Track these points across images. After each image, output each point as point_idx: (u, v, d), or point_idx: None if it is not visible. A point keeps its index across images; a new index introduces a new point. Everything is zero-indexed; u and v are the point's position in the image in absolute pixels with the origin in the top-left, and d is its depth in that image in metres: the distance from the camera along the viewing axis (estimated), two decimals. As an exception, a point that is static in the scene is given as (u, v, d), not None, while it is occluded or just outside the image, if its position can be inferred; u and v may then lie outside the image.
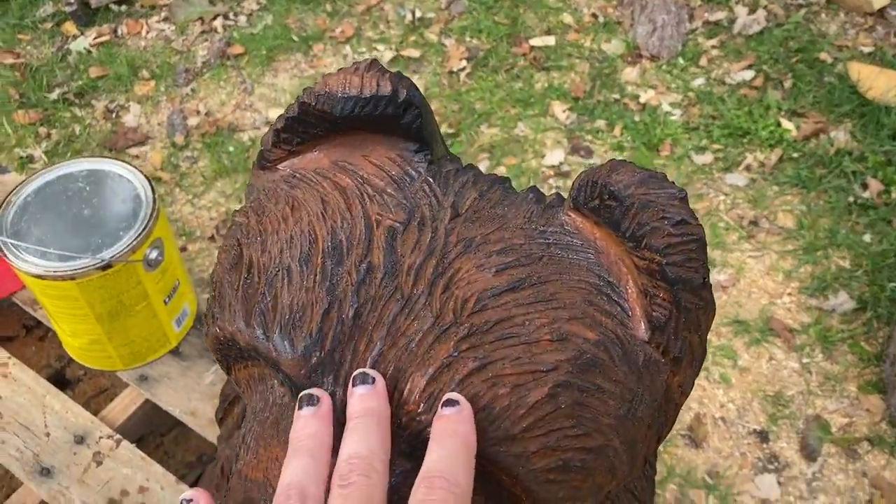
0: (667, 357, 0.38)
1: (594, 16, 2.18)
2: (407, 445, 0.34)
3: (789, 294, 1.59)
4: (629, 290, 0.38)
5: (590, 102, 1.95)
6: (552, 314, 0.36)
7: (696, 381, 1.47)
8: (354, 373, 0.35)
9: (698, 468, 1.36)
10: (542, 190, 1.75)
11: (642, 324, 0.37)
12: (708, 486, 1.34)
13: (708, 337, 1.53)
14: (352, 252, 0.37)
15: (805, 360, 1.49)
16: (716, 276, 1.61)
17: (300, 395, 0.35)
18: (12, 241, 0.92)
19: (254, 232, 0.39)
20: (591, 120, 1.92)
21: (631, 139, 1.87)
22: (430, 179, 0.41)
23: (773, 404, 1.44)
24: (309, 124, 0.41)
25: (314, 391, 0.35)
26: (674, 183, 0.36)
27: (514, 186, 0.44)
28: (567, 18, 2.18)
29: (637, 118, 1.91)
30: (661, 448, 1.39)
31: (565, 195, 1.72)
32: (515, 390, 0.34)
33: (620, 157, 1.83)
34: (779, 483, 1.35)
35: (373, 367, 0.35)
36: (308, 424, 0.34)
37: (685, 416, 1.42)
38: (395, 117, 0.41)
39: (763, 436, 1.41)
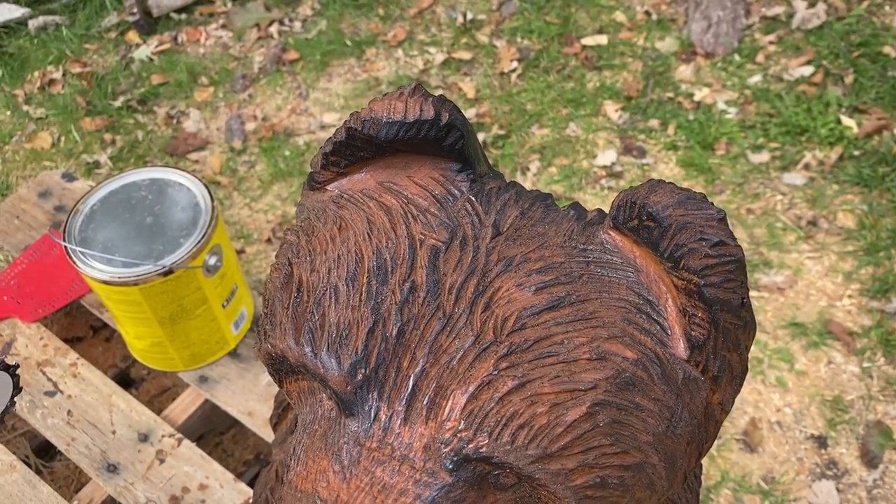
0: (706, 375, 0.38)
1: (647, 13, 2.15)
2: (449, 461, 0.35)
3: (849, 296, 1.55)
4: (668, 309, 0.38)
5: (643, 101, 1.93)
6: (591, 333, 0.37)
7: (752, 385, 1.44)
8: None
9: (753, 473, 1.34)
10: (595, 189, 1.75)
11: (681, 342, 0.38)
12: (763, 491, 1.32)
13: (764, 340, 1.50)
14: (396, 271, 0.39)
15: (866, 365, 1.46)
16: (772, 278, 1.58)
17: None
18: (80, 249, 0.96)
19: (303, 251, 0.41)
20: (644, 119, 1.90)
21: (685, 138, 1.84)
22: (473, 198, 0.42)
23: (831, 409, 1.41)
24: (356, 147, 0.43)
25: None
26: (712, 204, 0.37)
27: (556, 202, 0.45)
28: (620, 17, 2.16)
29: (691, 117, 1.89)
30: (715, 452, 1.38)
31: (616, 193, 1.71)
32: (554, 409, 0.35)
33: (675, 156, 1.81)
34: (837, 490, 1.32)
35: (415, 384, 0.36)
36: None
37: (740, 421, 1.41)
38: (438, 140, 0.42)
39: (821, 441, 1.38)
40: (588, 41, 2.09)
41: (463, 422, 0.35)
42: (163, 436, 1.05)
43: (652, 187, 0.38)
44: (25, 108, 2.05)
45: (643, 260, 0.39)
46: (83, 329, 1.28)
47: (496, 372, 0.36)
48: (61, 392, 1.09)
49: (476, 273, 0.39)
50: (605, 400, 0.36)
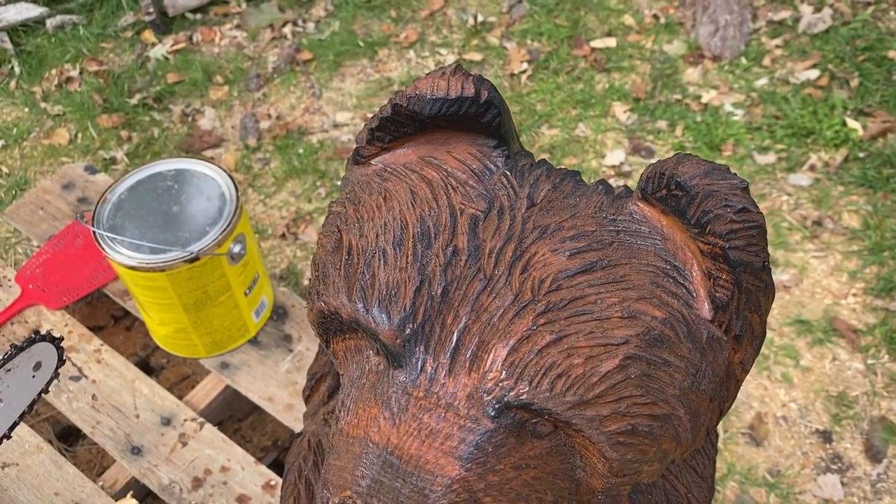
0: (729, 335, 0.41)
1: (655, 17, 2.19)
2: (491, 409, 0.38)
3: (854, 294, 1.58)
4: (694, 274, 0.41)
5: (651, 103, 1.96)
6: (622, 294, 0.40)
7: (758, 380, 1.47)
8: None
9: (759, 466, 1.37)
10: (602, 190, 1.78)
11: (706, 304, 0.41)
12: (769, 484, 1.35)
13: (770, 336, 1.53)
14: (439, 237, 0.42)
15: (870, 361, 1.48)
16: (779, 276, 1.61)
17: None
18: (108, 235, 0.99)
19: (352, 219, 0.44)
20: (653, 121, 1.93)
21: (692, 139, 1.87)
22: (508, 172, 0.45)
23: (836, 405, 1.43)
24: (400, 123, 0.45)
25: None
26: (736, 174, 0.40)
27: (583, 179, 0.48)
28: (628, 20, 2.19)
29: (699, 118, 1.92)
30: (721, 446, 1.40)
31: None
32: (589, 361, 0.38)
33: (681, 158, 1.84)
34: (842, 483, 1.34)
35: (459, 339, 0.39)
36: None
37: (746, 415, 1.43)
38: (476, 116, 0.45)
39: (826, 436, 1.40)
40: (597, 44, 2.13)
41: (504, 372, 0.38)
42: (185, 420, 1.08)
43: (679, 159, 0.41)
44: (43, 105, 2.08)
45: (670, 228, 0.42)
46: (104, 318, 1.31)
47: (535, 327, 0.38)
48: (86, 377, 1.12)
49: (513, 239, 0.41)
50: (636, 354, 0.38)
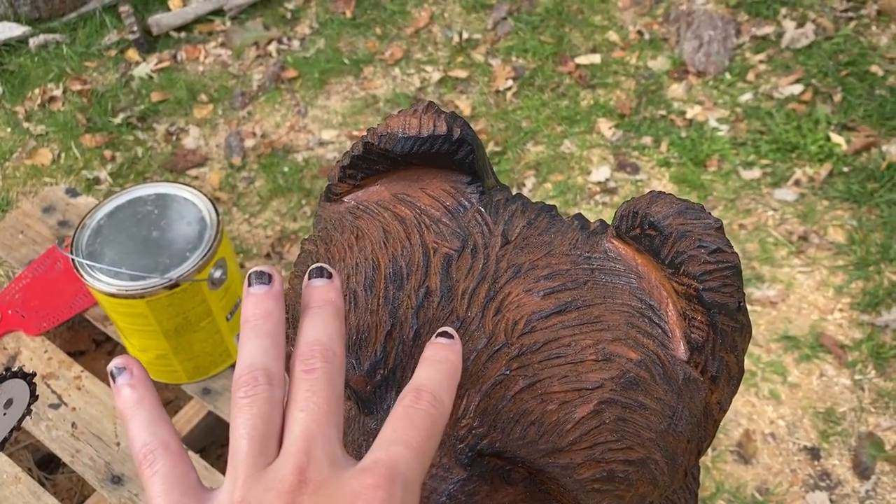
0: (705, 376, 0.40)
1: (640, 33, 2.20)
2: (464, 457, 0.37)
3: (840, 310, 1.58)
4: (669, 313, 0.40)
5: (636, 119, 1.97)
6: (597, 335, 0.39)
7: (746, 397, 1.46)
8: (311, 267, 0.36)
9: (748, 484, 1.36)
10: (589, 204, 1.77)
11: (682, 344, 0.40)
12: (757, 502, 1.34)
13: (757, 353, 1.53)
14: (411, 277, 0.41)
15: (857, 377, 1.48)
16: (765, 292, 1.61)
17: (249, 272, 0.35)
18: (87, 262, 0.98)
19: (322, 259, 0.43)
20: (638, 136, 1.93)
21: (678, 155, 1.87)
22: (482, 209, 0.45)
23: (824, 421, 1.43)
24: (372, 161, 0.45)
25: (264, 268, 0.35)
26: (710, 213, 0.39)
27: (559, 213, 0.47)
28: (613, 36, 2.20)
29: (684, 134, 1.92)
30: (710, 464, 1.39)
31: (612, 211, 1.73)
32: (563, 406, 0.37)
33: (667, 173, 1.84)
34: (830, 501, 1.34)
35: None
36: (261, 303, 0.34)
37: (734, 433, 1.43)
38: (449, 154, 0.44)
39: (814, 453, 1.40)
40: (582, 60, 2.13)
41: (477, 419, 0.37)
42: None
43: (653, 198, 0.40)
44: (26, 124, 2.07)
45: (645, 267, 0.41)
46: (86, 343, 1.29)
47: (508, 372, 0.38)
48: (66, 404, 1.11)
49: (487, 279, 0.41)
50: (610, 398, 0.38)
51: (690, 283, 0.38)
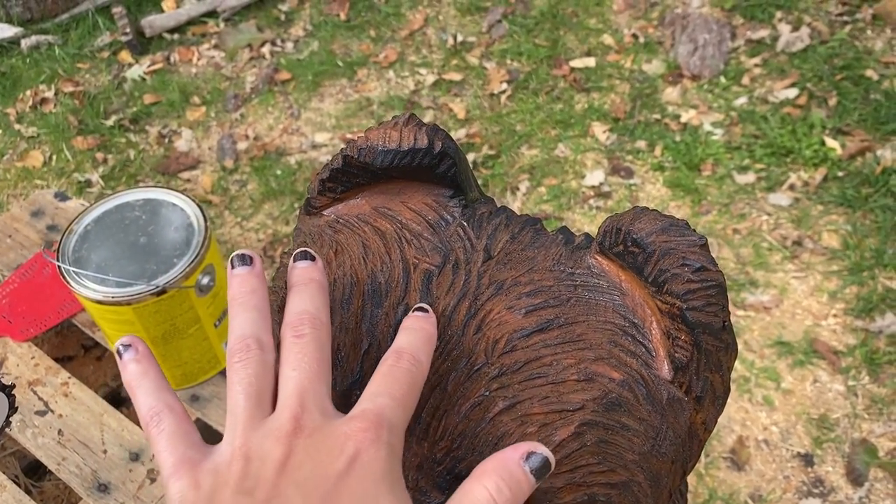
0: (689, 396, 0.39)
1: (634, 36, 2.19)
2: (442, 480, 0.37)
3: (834, 315, 1.57)
4: (653, 332, 0.40)
5: (630, 123, 1.96)
6: (579, 354, 0.38)
7: (739, 403, 1.46)
8: (295, 251, 0.39)
9: (741, 491, 1.36)
10: (583, 209, 1.77)
11: (665, 364, 0.39)
12: (751, 510, 1.33)
13: (751, 359, 1.52)
14: (390, 294, 0.40)
15: (851, 383, 1.48)
16: (759, 297, 1.60)
17: (232, 256, 0.38)
18: (74, 269, 0.97)
19: (300, 275, 0.42)
20: (632, 140, 1.92)
21: (672, 159, 1.87)
22: (465, 223, 0.44)
23: (817, 427, 1.43)
24: (352, 174, 0.44)
25: (245, 251, 0.38)
26: (694, 230, 0.38)
27: (544, 227, 0.47)
28: (607, 39, 2.19)
29: (678, 138, 1.92)
30: (703, 470, 1.39)
31: (606, 215, 1.73)
32: (543, 429, 0.36)
33: (661, 177, 1.83)
34: (824, 508, 1.33)
35: None
36: (246, 281, 0.37)
37: (727, 439, 1.42)
38: (431, 167, 0.43)
39: (807, 459, 1.39)
40: (576, 63, 2.13)
41: (456, 441, 0.36)
42: (153, 455, 1.05)
43: (636, 214, 0.40)
44: (17, 126, 2.06)
45: (629, 284, 0.41)
46: (74, 348, 1.28)
47: (487, 393, 0.37)
48: (52, 411, 1.09)
49: (468, 296, 0.40)
50: (592, 420, 0.37)
51: (674, 302, 0.37)
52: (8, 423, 0.60)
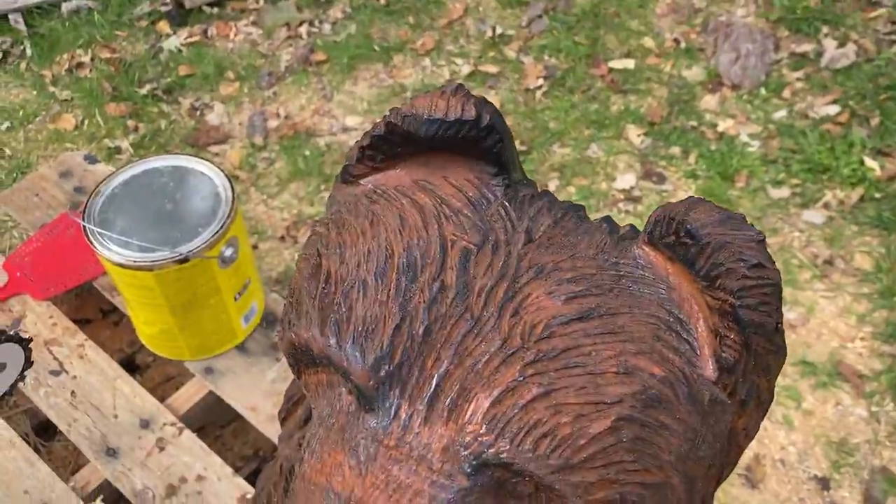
0: (733, 399, 0.37)
1: (676, 41, 2.15)
2: (468, 465, 0.35)
3: (862, 338, 1.54)
4: (699, 329, 0.38)
5: (666, 128, 1.93)
6: (619, 346, 0.36)
7: (757, 421, 1.43)
8: None
9: (753, 510, 1.33)
10: (612, 211, 1.74)
11: (710, 363, 0.37)
12: (762, 529, 1.31)
13: (772, 376, 1.49)
14: (426, 270, 0.38)
15: (874, 409, 1.44)
16: (785, 315, 1.57)
17: None
18: (98, 230, 0.96)
19: (333, 243, 0.41)
20: (666, 146, 1.89)
21: (706, 168, 1.84)
22: (507, 203, 0.42)
23: (836, 451, 1.39)
24: (394, 143, 0.42)
25: None
26: (752, 225, 0.36)
27: (588, 215, 0.45)
28: (648, 42, 2.16)
29: (713, 147, 1.88)
30: (715, 485, 1.36)
31: (635, 220, 1.70)
32: (578, 420, 0.34)
33: (694, 185, 1.80)
34: (838, 533, 1.30)
35: (438, 384, 0.36)
36: None
37: (743, 456, 1.39)
38: (476, 141, 0.42)
39: (824, 483, 1.36)
40: (615, 64, 2.10)
41: (485, 426, 0.35)
42: (164, 424, 1.04)
43: (692, 204, 0.38)
44: (52, 89, 2.06)
45: (676, 277, 0.39)
46: (93, 311, 1.28)
47: (522, 378, 0.35)
48: (66, 372, 1.09)
49: (506, 278, 0.38)
50: (629, 415, 0.35)
51: (726, 299, 0.35)
52: (23, 376, 0.59)
